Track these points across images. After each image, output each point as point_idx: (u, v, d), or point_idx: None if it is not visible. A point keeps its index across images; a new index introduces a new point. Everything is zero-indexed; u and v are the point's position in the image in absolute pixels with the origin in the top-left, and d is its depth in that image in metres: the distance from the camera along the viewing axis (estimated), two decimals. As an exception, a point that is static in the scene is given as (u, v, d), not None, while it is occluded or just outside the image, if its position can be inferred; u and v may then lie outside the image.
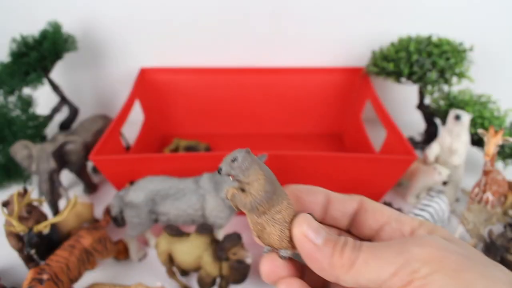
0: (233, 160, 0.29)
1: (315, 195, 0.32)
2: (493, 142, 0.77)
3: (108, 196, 1.00)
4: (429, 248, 0.25)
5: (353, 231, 0.33)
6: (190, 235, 0.72)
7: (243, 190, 0.30)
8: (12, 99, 1.00)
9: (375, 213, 0.31)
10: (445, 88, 1.06)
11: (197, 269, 0.72)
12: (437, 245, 0.25)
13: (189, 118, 1.22)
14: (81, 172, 0.97)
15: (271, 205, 0.29)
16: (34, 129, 1.02)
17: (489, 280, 0.23)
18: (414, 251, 0.25)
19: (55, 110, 1.11)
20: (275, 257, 0.30)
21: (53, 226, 0.75)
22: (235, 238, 0.68)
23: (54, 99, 1.16)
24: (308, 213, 0.30)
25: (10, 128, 0.98)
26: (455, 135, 0.90)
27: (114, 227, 0.89)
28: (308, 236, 0.28)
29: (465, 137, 0.90)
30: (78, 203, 0.81)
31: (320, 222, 0.30)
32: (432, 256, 0.24)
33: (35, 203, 0.88)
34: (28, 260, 0.75)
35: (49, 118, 1.09)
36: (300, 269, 0.32)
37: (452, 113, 0.89)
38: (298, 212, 0.30)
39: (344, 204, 0.32)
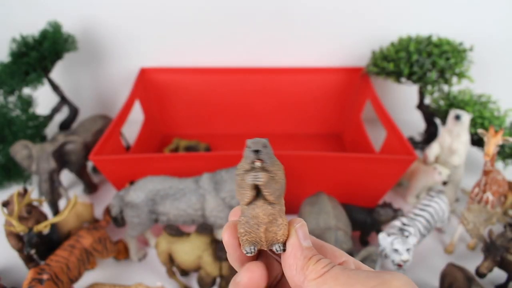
0: (265, 146, 0.30)
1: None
2: (493, 142, 0.77)
3: (108, 196, 1.00)
4: (403, 278, 0.26)
5: None
6: (190, 235, 0.72)
7: None
8: (12, 99, 1.00)
9: (333, 250, 0.33)
10: (445, 88, 1.06)
11: (197, 269, 0.72)
12: (409, 280, 0.27)
13: (189, 118, 1.22)
14: (81, 172, 0.97)
15: (283, 196, 0.31)
16: (34, 129, 1.02)
17: None
18: (388, 278, 0.26)
19: (55, 110, 1.11)
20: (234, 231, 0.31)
21: (53, 226, 0.75)
22: (235, 238, 0.68)
23: (54, 99, 1.16)
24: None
25: (10, 128, 0.98)
26: (455, 135, 0.90)
27: (114, 227, 0.89)
28: (298, 233, 0.31)
29: (465, 137, 0.90)
30: (78, 203, 0.81)
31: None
32: (407, 285, 0.26)
33: (35, 203, 0.88)
34: (28, 260, 0.75)
35: (49, 118, 1.09)
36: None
37: (452, 113, 0.89)
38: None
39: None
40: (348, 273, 0.27)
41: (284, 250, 0.31)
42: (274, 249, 0.31)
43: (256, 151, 0.29)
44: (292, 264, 0.30)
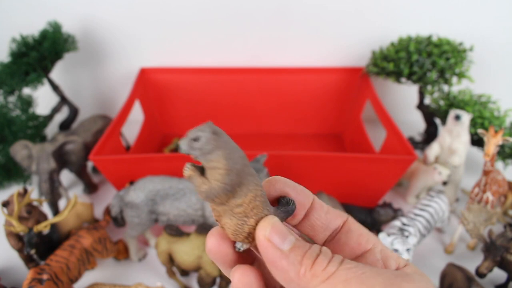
0: (195, 139, 0.25)
1: (304, 197, 0.29)
2: (493, 142, 0.77)
3: (108, 196, 1.00)
4: (422, 281, 0.23)
5: (329, 248, 0.29)
6: (190, 235, 0.72)
7: (204, 171, 0.27)
8: (12, 99, 1.00)
9: (360, 237, 0.28)
10: (445, 88, 1.06)
11: (197, 269, 0.72)
12: (430, 283, 0.24)
13: (189, 118, 1.22)
14: (81, 172, 0.97)
15: (231, 197, 0.26)
16: (34, 129, 1.02)
17: None
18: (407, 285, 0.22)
19: (55, 110, 1.11)
20: (223, 235, 0.27)
21: (53, 226, 0.75)
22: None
23: (54, 99, 1.16)
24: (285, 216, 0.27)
25: (10, 128, 0.98)
26: (455, 135, 0.90)
27: (114, 227, 0.89)
28: (272, 240, 0.25)
29: (465, 137, 0.90)
30: (78, 203, 0.81)
31: (296, 228, 0.29)
32: None
33: (35, 203, 0.88)
34: (28, 260, 0.75)
35: (49, 118, 1.09)
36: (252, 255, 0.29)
37: (452, 113, 0.89)
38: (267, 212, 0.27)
39: (329, 216, 0.29)
40: (361, 276, 0.22)
41: (239, 250, 0.27)
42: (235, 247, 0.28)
43: (177, 147, 0.27)
44: (285, 277, 0.24)
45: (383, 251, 0.27)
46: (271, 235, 0.25)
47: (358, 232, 0.28)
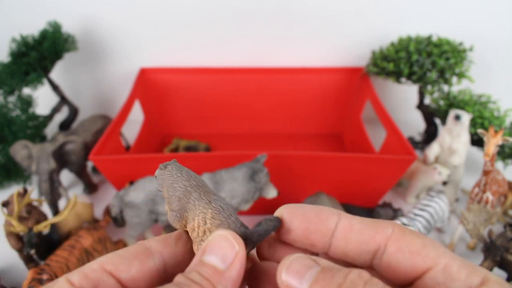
0: (156, 176, 0.29)
1: (325, 222, 0.24)
2: (493, 142, 0.77)
3: (108, 196, 0.99)
4: None
5: (375, 269, 0.25)
6: (190, 235, 0.72)
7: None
8: (12, 99, 1.00)
9: (413, 256, 0.22)
10: (445, 88, 1.06)
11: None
12: None
13: (189, 118, 1.22)
14: (81, 172, 0.97)
15: (184, 223, 0.28)
16: (34, 129, 1.02)
17: None
18: None
19: (55, 110, 1.11)
20: None
21: (53, 226, 0.75)
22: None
23: (54, 99, 1.16)
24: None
25: (10, 128, 0.98)
26: (455, 135, 0.90)
27: (114, 227, 0.89)
28: (290, 284, 0.21)
29: (465, 137, 0.90)
30: (78, 203, 0.81)
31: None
32: None
33: (35, 203, 0.88)
34: (28, 260, 0.75)
35: (49, 118, 1.09)
36: None
37: (452, 113, 0.89)
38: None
39: (363, 237, 0.24)
40: None
41: None
42: None
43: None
44: None
45: (448, 268, 0.21)
46: (288, 280, 0.21)
47: (409, 250, 0.22)
